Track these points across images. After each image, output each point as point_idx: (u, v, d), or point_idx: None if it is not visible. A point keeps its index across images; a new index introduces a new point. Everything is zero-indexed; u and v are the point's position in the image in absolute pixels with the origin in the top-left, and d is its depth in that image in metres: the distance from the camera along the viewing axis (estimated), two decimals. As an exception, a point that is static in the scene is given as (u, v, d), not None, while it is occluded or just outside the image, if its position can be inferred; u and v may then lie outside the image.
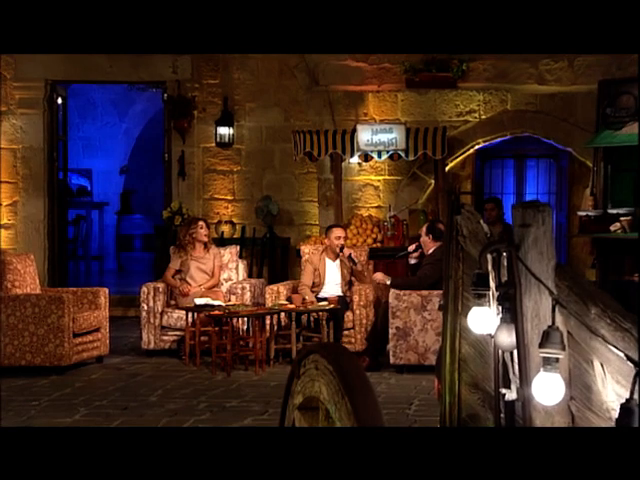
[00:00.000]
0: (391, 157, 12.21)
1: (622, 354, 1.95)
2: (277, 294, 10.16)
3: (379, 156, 12.14)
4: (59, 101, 13.84)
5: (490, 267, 2.35)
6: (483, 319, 2.37)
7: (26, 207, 13.51)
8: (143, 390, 8.58)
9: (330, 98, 12.85)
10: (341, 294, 10.15)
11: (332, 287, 10.24)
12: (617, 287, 10.15)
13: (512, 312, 2.24)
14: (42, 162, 13.57)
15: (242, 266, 11.01)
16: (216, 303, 9.79)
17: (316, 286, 10.25)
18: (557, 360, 2.10)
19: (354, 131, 11.97)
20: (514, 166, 13.43)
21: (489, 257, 2.36)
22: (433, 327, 9.15)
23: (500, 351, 2.33)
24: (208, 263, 10.51)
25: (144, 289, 10.29)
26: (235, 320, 9.67)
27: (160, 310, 10.23)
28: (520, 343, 2.22)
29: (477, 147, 12.73)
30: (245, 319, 9.86)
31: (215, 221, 13.20)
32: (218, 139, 13.34)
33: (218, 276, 10.57)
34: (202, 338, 9.67)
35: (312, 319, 9.90)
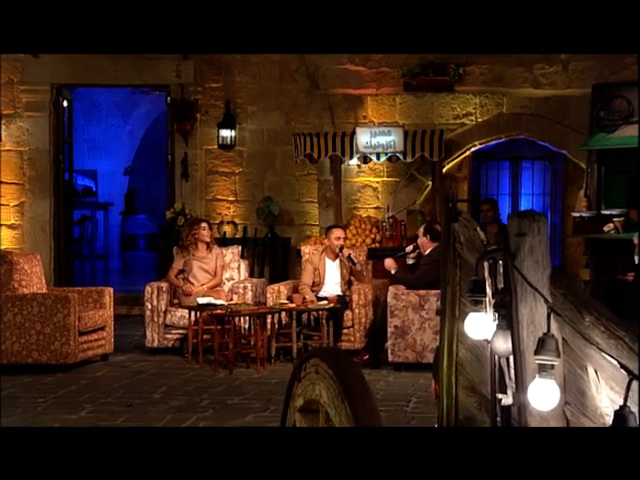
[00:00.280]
0: (389, 159, 12.21)
1: (615, 362, 1.95)
2: (278, 293, 10.16)
3: (378, 158, 12.14)
4: (65, 104, 13.85)
5: (487, 274, 2.35)
6: (480, 325, 2.37)
7: (32, 208, 13.51)
8: (147, 387, 8.59)
9: (330, 101, 12.85)
10: (341, 293, 10.15)
11: (332, 286, 10.24)
12: (610, 286, 10.15)
13: (508, 319, 2.25)
14: (48, 163, 13.58)
15: (244, 266, 11.01)
16: (218, 302, 9.79)
17: (316, 285, 10.25)
18: (552, 367, 2.11)
19: (353, 134, 11.97)
20: (510, 168, 13.41)
21: (485, 264, 2.37)
22: (431, 326, 9.15)
23: (496, 356, 2.33)
24: (211, 263, 10.51)
25: (148, 288, 10.29)
26: (237, 319, 9.67)
27: (164, 309, 10.23)
28: (516, 349, 2.22)
29: (473, 149, 12.73)
30: (247, 318, 9.87)
31: (217, 221, 13.20)
32: (220, 141, 13.35)
33: (220, 276, 10.58)
34: (205, 336, 9.67)
35: (312, 318, 9.90)
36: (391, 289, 9.47)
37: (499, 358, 2.33)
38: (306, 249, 10.93)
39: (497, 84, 12.58)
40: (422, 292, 9.26)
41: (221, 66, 13.36)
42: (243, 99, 13.36)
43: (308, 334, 9.87)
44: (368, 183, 12.90)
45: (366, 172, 12.87)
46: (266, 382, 8.77)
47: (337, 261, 10.30)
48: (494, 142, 12.70)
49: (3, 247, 13.13)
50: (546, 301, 2.19)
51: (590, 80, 11.86)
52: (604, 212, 10.81)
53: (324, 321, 9.62)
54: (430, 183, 12.50)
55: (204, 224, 10.59)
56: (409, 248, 10.22)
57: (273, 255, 13.04)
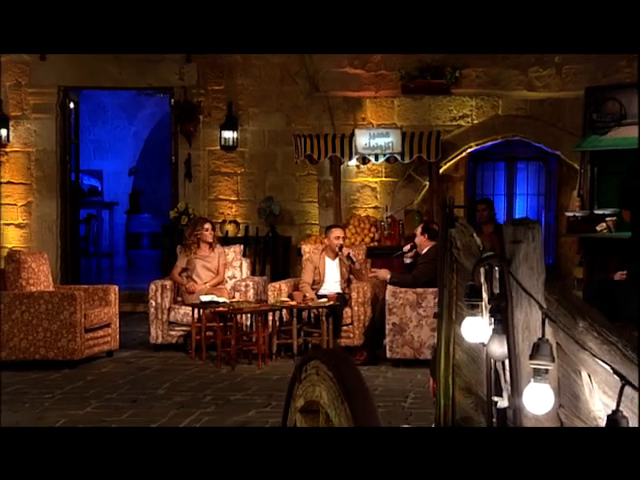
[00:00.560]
0: (388, 160, 12.21)
1: (608, 367, 1.95)
2: (279, 291, 10.16)
3: (376, 159, 12.13)
4: (71, 106, 13.85)
5: (483, 279, 2.36)
6: (476, 328, 2.38)
7: (40, 207, 13.51)
8: (151, 383, 8.58)
9: (329, 103, 12.85)
10: (340, 291, 10.16)
11: (331, 285, 10.25)
12: (603, 285, 10.13)
13: (504, 324, 2.25)
14: (55, 164, 13.58)
15: (246, 264, 11.01)
16: (221, 300, 9.80)
17: (316, 284, 10.25)
18: (547, 371, 2.11)
19: (352, 135, 11.97)
20: (505, 168, 13.41)
21: (482, 270, 2.37)
22: (428, 323, 9.15)
23: (492, 360, 2.33)
24: (213, 262, 10.51)
25: (152, 286, 10.30)
26: (239, 316, 9.67)
27: (167, 306, 10.24)
28: (511, 353, 2.22)
29: (470, 150, 12.72)
30: (249, 315, 9.88)
31: (220, 221, 13.21)
32: (223, 142, 13.35)
33: (223, 274, 10.58)
34: (207, 333, 9.67)
35: (312, 315, 9.91)
36: (389, 287, 9.48)
37: (495, 361, 2.33)
38: (306, 248, 10.93)
39: (493, 87, 12.58)
40: (419, 290, 9.26)
41: (223, 69, 13.35)
42: (245, 101, 13.36)
43: (308, 331, 9.87)
44: (367, 183, 12.90)
45: (365, 173, 12.86)
46: (267, 378, 8.78)
47: (337, 260, 10.30)
48: (490, 143, 12.69)
49: (11, 246, 13.14)
50: (541, 307, 2.19)
51: (583, 83, 11.85)
52: (597, 212, 10.81)
53: (324, 318, 9.62)
54: (427, 183, 12.50)
55: (207, 225, 10.58)
56: (406, 247, 10.22)
57: (274, 254, 13.05)
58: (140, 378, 8.88)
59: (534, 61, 12.42)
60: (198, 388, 8.36)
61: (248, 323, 10.00)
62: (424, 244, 9.65)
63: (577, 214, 11.10)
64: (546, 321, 2.14)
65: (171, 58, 13.17)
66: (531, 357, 2.14)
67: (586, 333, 2.05)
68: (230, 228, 13.29)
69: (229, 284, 10.63)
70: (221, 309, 9.50)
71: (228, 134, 13.29)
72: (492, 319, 2.30)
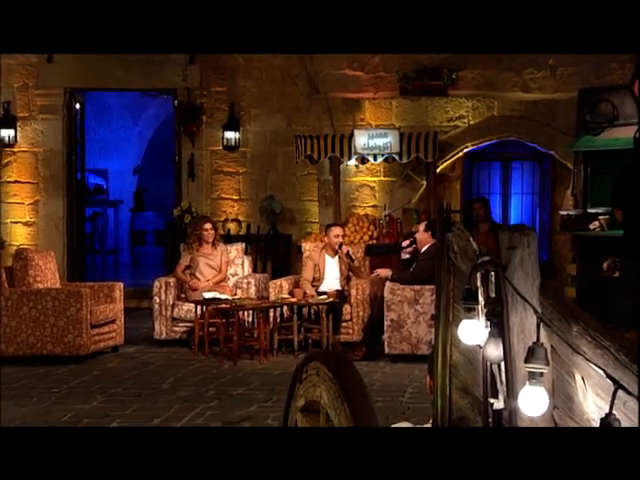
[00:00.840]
0: (386, 160, 12.20)
1: (601, 371, 1.95)
2: (280, 288, 10.17)
3: (375, 159, 12.12)
4: (77, 107, 13.84)
5: (479, 283, 2.36)
6: (472, 331, 2.38)
7: (47, 206, 13.50)
8: (156, 378, 8.59)
9: (329, 105, 12.84)
10: (340, 288, 10.16)
11: (331, 282, 10.25)
12: (595, 281, 10.16)
13: (499, 327, 2.25)
14: (61, 164, 13.57)
15: (247, 262, 11.02)
16: (223, 297, 9.81)
17: (316, 281, 10.26)
18: (541, 374, 2.11)
19: (352, 136, 11.95)
20: (500, 168, 13.39)
21: (478, 274, 2.37)
22: (425, 319, 9.16)
23: (488, 362, 2.34)
24: (216, 259, 10.52)
25: (156, 283, 10.30)
26: (241, 313, 9.68)
27: (171, 303, 10.25)
28: (507, 356, 2.22)
29: (466, 150, 12.71)
30: (250, 312, 9.88)
31: (222, 219, 13.21)
32: (225, 143, 13.33)
33: (225, 271, 10.59)
34: (210, 329, 9.68)
35: (312, 312, 9.91)
36: (388, 284, 9.48)
37: (491, 363, 2.34)
38: (307, 246, 10.94)
39: (488, 88, 12.57)
40: (417, 287, 9.27)
41: (225, 71, 13.34)
42: (247, 102, 13.35)
43: (308, 327, 9.88)
44: (366, 183, 12.89)
45: (364, 172, 12.86)
46: (269, 373, 8.78)
47: (336, 258, 10.31)
48: (485, 143, 12.69)
49: (19, 243, 13.14)
50: (535, 311, 2.19)
51: (577, 85, 11.84)
52: (590, 210, 10.81)
53: (324, 315, 9.63)
54: (425, 183, 12.49)
55: (207, 224, 10.57)
56: (405, 243, 10.22)
57: (275, 251, 13.05)
58: (144, 373, 8.89)
59: (529, 63, 12.41)
60: (201, 383, 8.37)
61: (250, 319, 10.00)
62: (425, 241, 9.60)
63: (571, 212, 11.10)
64: (541, 325, 2.14)
65: (175, 60, 13.17)
66: (526, 360, 2.14)
67: (580, 337, 2.05)
68: (232, 226, 13.28)
69: (231, 281, 10.63)
70: (223, 306, 9.51)
71: (230, 134, 13.28)
72: (488, 322, 2.30)
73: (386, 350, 9.34)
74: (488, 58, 12.35)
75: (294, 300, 9.81)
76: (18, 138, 13.38)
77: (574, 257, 11.32)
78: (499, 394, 2.32)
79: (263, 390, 8.02)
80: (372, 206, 12.81)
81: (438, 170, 12.43)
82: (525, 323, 2.24)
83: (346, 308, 9.98)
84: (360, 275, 10.34)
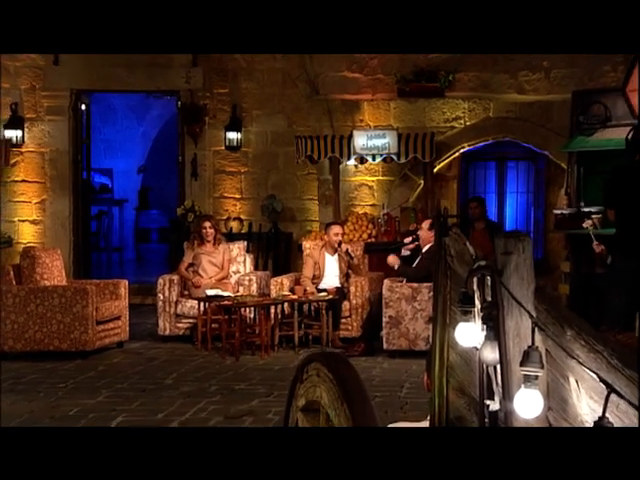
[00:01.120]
0: (384, 160, 12.20)
1: (594, 375, 1.95)
2: (281, 285, 10.17)
3: (373, 159, 12.13)
4: (83, 108, 13.82)
5: (475, 287, 2.36)
6: (469, 333, 2.38)
7: (53, 204, 13.50)
8: (160, 374, 8.59)
9: (329, 106, 12.83)
10: (339, 285, 10.16)
11: (331, 279, 10.25)
12: (588, 277, 10.15)
13: (495, 331, 2.25)
14: (68, 163, 13.56)
15: (249, 260, 11.02)
16: (225, 294, 9.81)
17: (316, 278, 10.26)
18: (536, 377, 2.11)
19: (351, 136, 11.96)
20: (496, 168, 13.39)
21: (474, 278, 2.37)
22: (422, 316, 9.16)
23: (484, 364, 2.34)
24: (218, 257, 10.52)
25: (160, 281, 10.31)
26: (243, 309, 9.68)
27: (175, 300, 10.25)
28: (503, 359, 2.22)
29: (462, 150, 12.70)
30: (252, 308, 9.88)
31: (225, 217, 13.20)
32: (227, 143, 13.32)
33: (227, 269, 10.58)
34: (213, 325, 9.69)
35: (313, 308, 9.92)
36: (386, 282, 9.49)
37: (487, 366, 2.34)
38: (307, 244, 10.93)
39: (484, 90, 12.55)
40: (415, 285, 9.28)
41: (228, 73, 13.33)
42: (248, 104, 13.33)
43: (309, 323, 9.89)
44: (364, 182, 12.88)
45: (363, 172, 12.85)
46: (270, 368, 8.79)
47: (336, 255, 10.31)
48: (481, 144, 12.68)
49: (26, 241, 13.15)
50: (530, 316, 2.19)
51: (570, 87, 11.83)
52: (583, 209, 10.80)
53: (324, 311, 9.64)
54: (422, 182, 12.49)
55: (206, 223, 10.58)
56: (408, 239, 10.21)
57: (276, 249, 13.04)
58: (149, 368, 8.89)
59: (524, 65, 12.39)
60: (204, 378, 8.37)
61: (251, 316, 10.00)
62: (429, 240, 9.56)
63: (564, 211, 11.09)
64: (535, 329, 2.14)
65: (178, 63, 13.16)
66: (521, 364, 2.14)
67: (574, 341, 2.05)
68: (234, 225, 13.27)
69: (233, 278, 10.63)
70: (226, 302, 9.52)
71: (232, 135, 13.27)
72: (484, 325, 2.30)
73: (384, 346, 9.34)
74: (484, 60, 12.34)
75: (295, 297, 9.81)
76: (25, 139, 13.37)
77: (568, 255, 11.32)
78: (495, 395, 2.32)
79: (264, 385, 8.02)
80: (371, 205, 12.81)
81: (435, 170, 12.43)
82: (520, 327, 2.24)
83: (345, 305, 9.98)
84: (359, 273, 10.34)
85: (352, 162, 12.45)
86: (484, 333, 2.30)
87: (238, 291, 10.22)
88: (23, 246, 11.95)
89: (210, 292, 9.81)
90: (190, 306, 10.14)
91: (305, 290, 9.98)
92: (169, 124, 16.38)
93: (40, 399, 7.58)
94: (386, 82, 12.72)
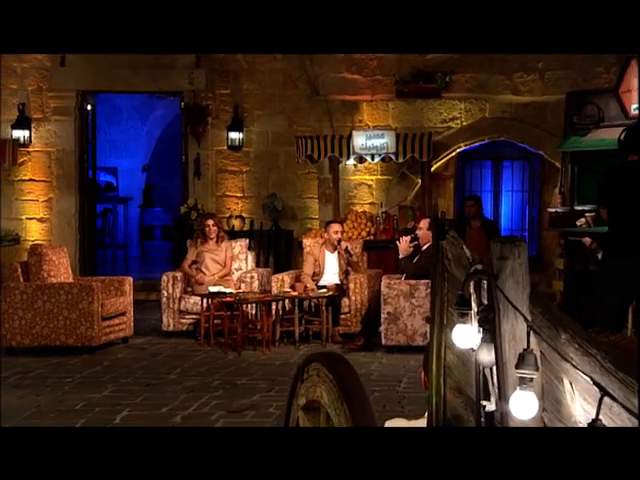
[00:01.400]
0: (383, 159, 12.19)
1: (588, 378, 1.96)
2: (282, 282, 10.18)
3: (372, 158, 12.12)
4: (88, 108, 13.81)
5: (472, 290, 2.36)
6: (466, 335, 2.38)
7: (60, 203, 13.49)
8: (164, 369, 8.60)
9: (329, 107, 12.82)
10: (339, 282, 10.16)
11: (331, 276, 10.25)
12: (582, 274, 10.15)
13: (492, 333, 2.25)
14: (73, 163, 13.55)
15: (251, 257, 11.02)
16: (228, 290, 9.81)
17: (316, 275, 10.26)
18: (531, 380, 2.11)
19: (350, 136, 11.95)
20: (491, 167, 13.39)
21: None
22: (420, 312, 9.16)
23: (481, 366, 2.34)
24: (221, 255, 10.52)
25: (164, 277, 10.31)
26: (245, 306, 9.68)
27: (178, 296, 10.25)
28: (499, 361, 2.23)
29: (459, 150, 12.70)
30: (254, 305, 9.88)
31: (227, 216, 13.19)
32: (229, 143, 13.31)
33: (230, 266, 10.58)
34: (215, 321, 9.69)
35: (313, 305, 9.92)
36: (384, 279, 9.49)
37: (483, 367, 2.34)
38: (307, 241, 10.93)
39: (480, 91, 12.55)
40: (412, 282, 9.28)
41: (230, 74, 13.32)
42: (250, 104, 13.32)
43: (309, 319, 9.89)
44: (363, 181, 12.88)
45: (362, 171, 12.84)
46: (271, 363, 8.79)
47: (335, 253, 10.31)
48: (477, 144, 12.67)
49: (33, 239, 13.14)
50: (526, 319, 2.20)
51: (564, 88, 11.83)
52: (577, 208, 10.80)
53: (324, 307, 9.63)
54: (419, 181, 12.49)
55: (209, 220, 10.59)
56: (407, 239, 10.18)
57: (277, 246, 13.04)
58: (153, 363, 8.89)
59: (519, 67, 12.39)
60: (207, 373, 8.38)
61: (253, 312, 10.01)
62: (429, 239, 9.54)
63: (558, 210, 11.09)
64: (530, 332, 2.14)
65: (182, 64, 13.16)
66: (517, 366, 2.14)
67: (568, 345, 2.05)
68: (236, 223, 13.28)
69: (235, 275, 10.63)
70: (228, 299, 9.52)
71: (234, 135, 13.26)
72: (481, 328, 2.30)
73: (383, 341, 9.34)
74: (480, 62, 12.34)
75: (295, 294, 9.82)
76: (32, 138, 13.37)
77: (562, 252, 11.32)
78: (491, 396, 2.32)
79: (266, 380, 8.02)
80: (369, 203, 12.80)
81: (432, 169, 12.43)
82: (516, 330, 2.24)
83: (345, 301, 9.99)
84: (358, 270, 10.34)
85: (351, 161, 12.44)
86: (480, 335, 2.30)
87: (240, 288, 10.22)
88: (30, 243, 11.95)
89: (213, 289, 9.81)
90: (193, 302, 10.15)
91: (305, 287, 9.98)
92: (172, 124, 16.37)
93: (47, 393, 7.60)
94: (385, 83, 12.71)
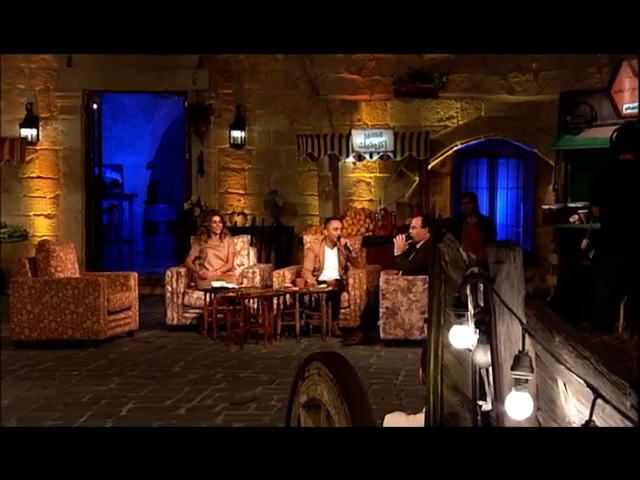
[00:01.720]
0: (381, 157, 12.19)
1: (582, 380, 1.96)
2: (283, 277, 10.18)
3: (371, 157, 12.12)
4: (94, 107, 13.80)
5: (468, 292, 2.36)
6: (462, 335, 2.38)
7: (67, 199, 13.49)
8: (168, 362, 8.60)
9: (328, 106, 12.80)
10: (338, 278, 10.16)
11: (330, 271, 10.25)
12: (575, 270, 10.15)
13: (488, 335, 2.25)
14: (80, 160, 13.55)
15: (252, 253, 11.01)
16: (230, 285, 9.82)
17: (317, 271, 10.26)
18: (527, 381, 2.12)
19: (349, 135, 11.95)
20: (487, 164, 13.37)
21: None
22: (417, 307, 9.17)
23: (477, 366, 2.34)
24: (223, 250, 10.52)
25: (168, 273, 10.31)
26: (247, 300, 9.68)
27: (182, 291, 10.25)
28: (494, 363, 2.23)
29: (455, 148, 12.68)
30: (255, 299, 9.88)
31: (229, 212, 13.20)
32: (232, 141, 13.31)
33: (232, 262, 10.58)
34: (218, 316, 9.70)
35: (313, 299, 9.93)
36: (382, 275, 9.49)
37: (479, 368, 2.34)
38: (307, 238, 10.93)
39: (476, 91, 12.53)
40: (410, 277, 9.28)
41: (232, 74, 13.31)
42: (252, 104, 13.32)
43: (309, 314, 9.90)
44: (362, 178, 12.86)
45: (360, 169, 12.83)
46: (273, 357, 8.79)
47: (335, 249, 10.31)
48: (474, 142, 12.65)
49: (41, 234, 13.14)
50: (521, 322, 2.20)
51: (558, 88, 11.81)
52: (570, 205, 10.80)
53: (324, 302, 9.64)
54: (417, 179, 12.49)
55: (215, 217, 10.58)
56: (401, 237, 10.16)
57: (278, 242, 13.04)
58: (158, 357, 8.90)
59: (513, 67, 12.37)
60: (210, 366, 8.38)
61: (255, 306, 10.01)
62: (423, 236, 9.53)
63: (552, 206, 11.09)
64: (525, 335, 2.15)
65: (185, 64, 13.15)
66: (512, 368, 2.14)
67: (562, 347, 2.05)
68: (238, 219, 13.28)
69: (238, 271, 10.63)
70: (230, 294, 9.52)
71: (237, 133, 13.26)
72: (477, 330, 2.30)
73: (381, 335, 9.35)
74: (476, 63, 12.32)
75: (296, 289, 9.82)
76: (40, 137, 13.37)
77: (555, 248, 11.32)
78: (487, 396, 2.32)
79: (267, 373, 8.03)
80: (368, 200, 12.79)
81: (429, 167, 12.41)
82: (511, 332, 2.24)
83: (344, 296, 9.99)
84: (357, 265, 10.34)
85: (350, 159, 12.44)
86: (477, 336, 2.30)
87: (242, 283, 10.22)
88: (38, 239, 11.94)
89: (215, 284, 9.81)
90: (197, 297, 10.15)
91: (306, 282, 9.99)
92: (176, 122, 16.37)
93: (55, 386, 7.60)
94: (383, 83, 12.70)
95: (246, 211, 13.34)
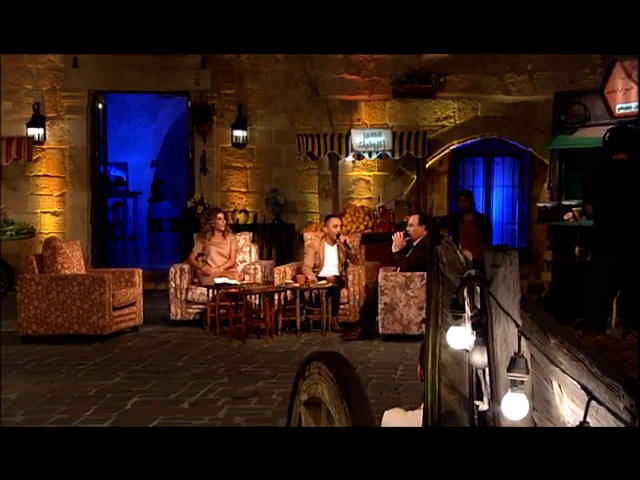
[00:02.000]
0: (380, 156, 12.19)
1: (576, 382, 1.96)
2: (284, 274, 10.17)
3: (370, 156, 12.12)
4: (99, 107, 13.80)
5: (465, 293, 2.36)
6: (459, 336, 2.38)
7: (73, 197, 13.50)
8: (172, 356, 8.60)
9: (328, 106, 12.80)
10: (338, 274, 10.15)
11: (330, 268, 10.24)
12: (569, 266, 10.15)
13: (484, 337, 2.25)
14: (86, 159, 13.56)
15: (254, 250, 11.01)
16: (232, 282, 9.81)
17: (317, 267, 10.25)
18: (522, 382, 2.12)
19: (349, 134, 11.95)
20: (483, 163, 13.37)
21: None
22: (415, 303, 9.17)
23: (474, 367, 2.34)
24: (226, 247, 10.51)
25: (172, 269, 10.31)
26: (249, 296, 9.67)
27: (185, 287, 10.25)
28: (491, 364, 2.23)
29: (452, 147, 12.69)
30: (257, 295, 9.87)
31: (231, 210, 13.20)
32: (234, 140, 13.31)
33: (234, 259, 10.58)
34: (221, 311, 9.69)
35: (313, 295, 9.92)
36: (381, 271, 9.50)
37: (476, 368, 2.34)
38: (308, 235, 10.92)
39: (473, 91, 12.53)
40: (408, 274, 9.28)
41: (234, 75, 13.30)
42: (253, 104, 13.32)
43: (310, 309, 9.90)
44: (361, 177, 12.87)
45: (360, 167, 12.84)
46: (274, 352, 8.79)
47: (335, 246, 10.30)
48: (470, 141, 12.66)
49: (47, 232, 13.15)
50: (517, 324, 2.20)
51: (553, 88, 11.82)
52: (564, 202, 10.82)
53: (324, 298, 9.64)
54: (415, 177, 12.49)
55: (220, 214, 10.58)
56: (399, 235, 10.15)
57: (279, 239, 13.05)
58: (162, 351, 8.89)
59: (509, 68, 12.38)
60: (213, 361, 8.38)
61: (257, 302, 10.00)
62: (420, 234, 9.52)
63: (547, 204, 11.10)
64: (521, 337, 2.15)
65: (188, 65, 13.15)
66: (508, 370, 2.14)
67: (557, 349, 2.05)
68: (240, 217, 13.28)
69: (240, 267, 10.63)
70: (233, 290, 9.52)
71: (238, 133, 13.26)
72: (474, 331, 2.30)
73: (380, 330, 9.35)
74: (472, 63, 12.32)
75: (297, 285, 9.82)
76: (47, 136, 13.38)
77: (550, 244, 11.33)
78: (484, 396, 2.32)
79: (269, 367, 8.03)
80: (367, 198, 12.80)
81: (427, 165, 12.42)
82: (507, 334, 2.24)
83: (344, 292, 9.99)
84: (356, 262, 10.33)
85: (350, 158, 12.45)
86: (473, 338, 2.30)
87: (244, 279, 10.22)
88: (45, 236, 11.94)
89: (218, 280, 9.81)
90: (200, 293, 10.15)
91: (306, 278, 9.99)
92: (179, 122, 16.36)
93: (61, 380, 7.60)
94: (382, 84, 12.70)
95: (248, 209, 13.34)
